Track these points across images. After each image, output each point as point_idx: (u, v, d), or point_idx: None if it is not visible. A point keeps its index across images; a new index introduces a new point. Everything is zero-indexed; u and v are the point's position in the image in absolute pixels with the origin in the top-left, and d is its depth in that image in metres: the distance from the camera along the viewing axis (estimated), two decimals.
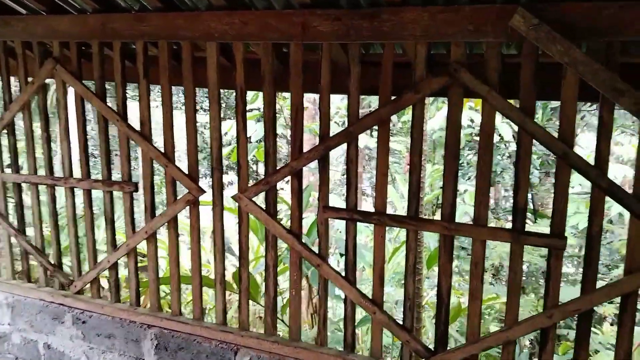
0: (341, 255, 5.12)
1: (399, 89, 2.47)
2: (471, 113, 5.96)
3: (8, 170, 3.86)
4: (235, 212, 5.15)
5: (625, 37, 1.98)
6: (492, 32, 2.16)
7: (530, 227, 6.63)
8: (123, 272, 5.82)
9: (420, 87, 2.37)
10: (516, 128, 2.36)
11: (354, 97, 2.59)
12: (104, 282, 5.93)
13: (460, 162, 8.85)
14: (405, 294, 2.67)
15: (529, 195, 7.57)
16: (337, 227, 5.60)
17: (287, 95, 6.07)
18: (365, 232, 6.44)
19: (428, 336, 5.07)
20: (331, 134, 2.67)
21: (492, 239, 2.43)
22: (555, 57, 2.04)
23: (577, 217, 5.73)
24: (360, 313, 4.13)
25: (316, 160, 2.75)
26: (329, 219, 2.80)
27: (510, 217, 8.04)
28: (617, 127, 7.41)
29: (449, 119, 2.37)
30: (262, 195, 2.99)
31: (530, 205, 7.97)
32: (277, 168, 2.89)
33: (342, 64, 2.88)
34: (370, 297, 2.75)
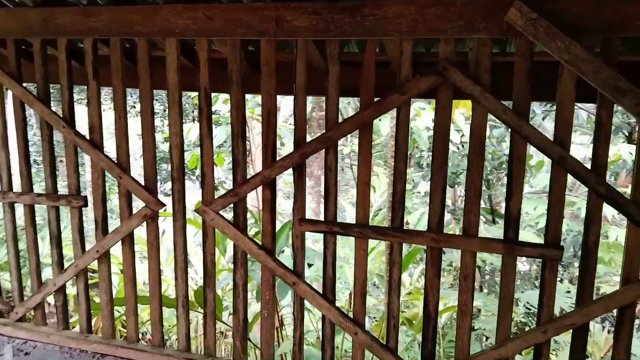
0: (308, 265, 4.84)
1: (377, 90, 2.24)
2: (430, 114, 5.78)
3: None
4: (195, 223, 4.79)
5: (628, 33, 1.83)
6: (485, 28, 1.96)
7: (490, 228, 6.54)
8: (71, 290, 5.26)
9: (407, 88, 2.13)
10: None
11: (333, 99, 2.33)
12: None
13: (420, 163, 8.75)
14: (389, 312, 2.42)
15: (486, 195, 7.54)
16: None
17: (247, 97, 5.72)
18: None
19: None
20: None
21: (484, 250, 2.22)
22: (554, 54, 1.86)
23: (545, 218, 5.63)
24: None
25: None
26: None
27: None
28: (575, 129, 7.54)
29: (437, 123, 2.15)
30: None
31: (487, 205, 7.96)
32: (247, 177, 2.57)
33: (316, 63, 2.62)
34: (351, 316, 2.48)
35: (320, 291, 2.52)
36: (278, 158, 2.49)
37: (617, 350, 2.15)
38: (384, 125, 5.61)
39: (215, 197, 2.65)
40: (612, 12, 1.82)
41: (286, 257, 4.11)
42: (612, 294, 2.07)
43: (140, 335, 4.69)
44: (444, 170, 2.19)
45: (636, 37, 1.97)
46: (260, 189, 2.56)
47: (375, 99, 2.24)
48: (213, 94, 3.32)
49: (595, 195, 2.00)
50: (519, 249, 2.14)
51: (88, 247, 2.98)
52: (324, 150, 2.39)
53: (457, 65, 2.05)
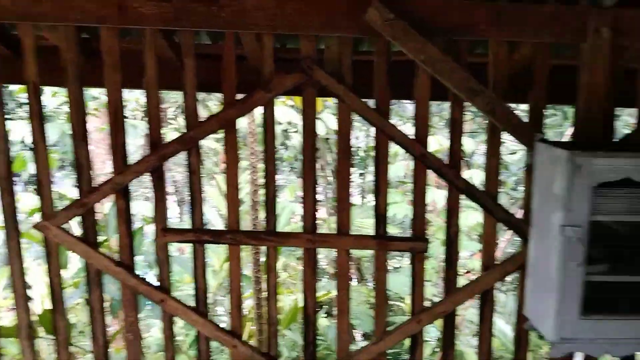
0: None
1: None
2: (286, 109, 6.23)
3: None
4: (32, 238, 4.58)
5: (473, 36, 2.23)
6: (346, 27, 2.22)
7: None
8: None
9: (273, 86, 2.34)
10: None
11: (191, 95, 2.45)
12: None
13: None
14: (269, 320, 2.68)
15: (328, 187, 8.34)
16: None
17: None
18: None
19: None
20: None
21: (358, 247, 2.57)
22: (410, 54, 2.20)
23: (394, 208, 6.37)
24: None
25: None
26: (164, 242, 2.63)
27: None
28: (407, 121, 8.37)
29: (305, 122, 2.40)
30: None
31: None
32: (96, 185, 2.59)
33: (163, 55, 2.68)
34: (229, 328, 2.69)
35: (191, 304, 2.68)
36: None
37: (482, 329, 2.66)
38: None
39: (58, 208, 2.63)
40: (459, 15, 2.20)
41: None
42: (475, 280, 2.57)
43: None
44: (314, 169, 2.46)
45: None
46: None
47: (237, 96, 2.41)
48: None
49: (455, 189, 2.43)
50: (390, 244, 2.52)
51: None
52: None
53: (319, 63, 2.30)
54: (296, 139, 7.49)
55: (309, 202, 2.51)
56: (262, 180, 2.74)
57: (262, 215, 5.92)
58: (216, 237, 2.58)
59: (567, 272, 2.02)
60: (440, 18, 2.21)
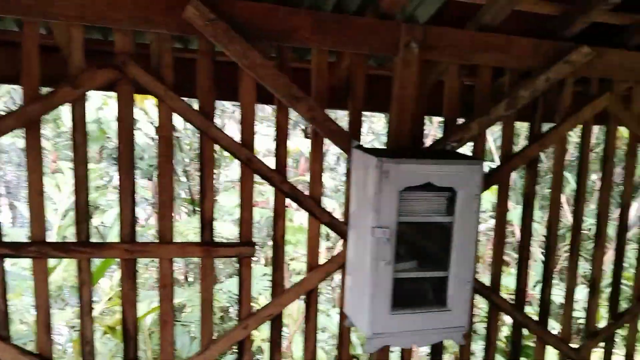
0: None
1: (48, 79, 2.21)
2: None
3: None
4: None
5: (293, 43, 2.31)
6: (164, 23, 2.15)
7: (192, 219, 7.15)
8: None
9: (81, 81, 2.17)
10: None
11: None
12: None
13: (114, 155, 9.02)
14: (82, 338, 2.48)
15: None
16: None
17: None
18: None
19: None
20: None
21: (182, 255, 2.51)
22: (233, 57, 2.20)
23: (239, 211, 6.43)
24: None
25: None
26: None
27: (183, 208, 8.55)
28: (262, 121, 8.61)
29: (120, 122, 2.28)
30: None
31: (188, 195, 8.75)
32: None
33: None
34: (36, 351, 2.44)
35: None
36: None
37: (308, 328, 2.75)
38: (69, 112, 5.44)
39: None
40: (282, 22, 2.27)
41: None
42: (300, 281, 2.66)
43: None
44: (131, 175, 2.34)
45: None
46: None
47: (45, 91, 2.21)
48: None
49: (281, 193, 2.50)
50: (216, 250, 2.50)
51: None
52: None
53: (138, 58, 2.20)
54: (141, 138, 7.10)
55: (127, 208, 2.38)
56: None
57: (94, 222, 5.47)
58: (17, 250, 2.31)
59: (378, 270, 2.20)
60: (263, 23, 2.25)
